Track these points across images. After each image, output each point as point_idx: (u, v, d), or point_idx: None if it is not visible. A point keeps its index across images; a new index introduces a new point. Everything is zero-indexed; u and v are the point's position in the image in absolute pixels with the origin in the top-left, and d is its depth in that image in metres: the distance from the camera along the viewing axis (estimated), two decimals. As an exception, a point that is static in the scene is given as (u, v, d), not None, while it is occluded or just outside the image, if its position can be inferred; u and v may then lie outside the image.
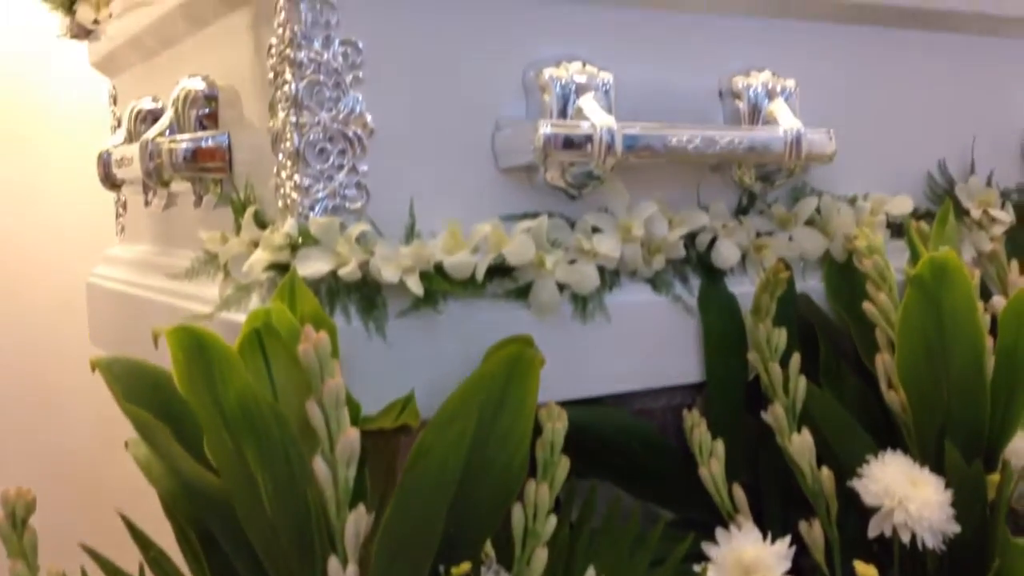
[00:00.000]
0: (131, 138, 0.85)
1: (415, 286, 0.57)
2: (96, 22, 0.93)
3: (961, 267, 0.68)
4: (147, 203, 0.84)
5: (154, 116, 0.84)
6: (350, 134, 0.60)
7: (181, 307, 0.71)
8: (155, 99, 0.86)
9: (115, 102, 1.04)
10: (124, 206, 1.03)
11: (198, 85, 0.72)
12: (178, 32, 0.79)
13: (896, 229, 0.84)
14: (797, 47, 0.79)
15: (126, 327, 0.90)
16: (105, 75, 1.05)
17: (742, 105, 0.75)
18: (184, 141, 0.70)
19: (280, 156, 0.60)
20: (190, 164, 0.70)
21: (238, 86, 0.70)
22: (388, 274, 0.57)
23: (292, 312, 0.54)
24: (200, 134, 0.70)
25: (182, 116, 0.72)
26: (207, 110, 0.72)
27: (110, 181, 0.84)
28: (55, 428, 1.27)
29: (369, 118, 0.60)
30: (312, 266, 0.57)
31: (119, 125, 0.94)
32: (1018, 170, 0.93)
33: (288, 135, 0.59)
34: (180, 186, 0.74)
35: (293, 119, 0.58)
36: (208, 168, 0.70)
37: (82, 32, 0.97)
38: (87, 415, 1.27)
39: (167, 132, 0.72)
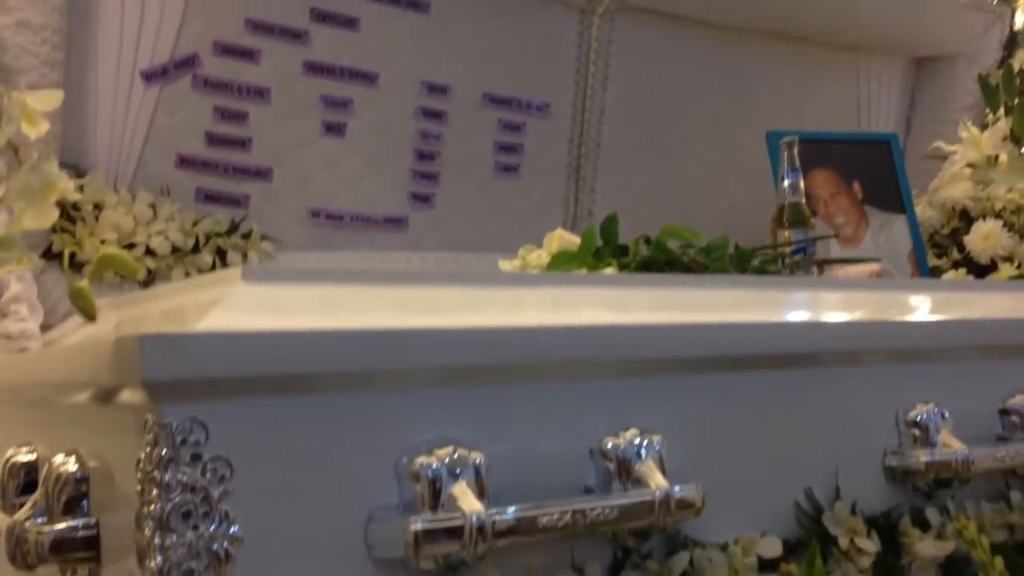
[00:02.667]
0: (3, 492, 0.83)
1: None
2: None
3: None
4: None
5: (27, 471, 0.82)
6: (217, 549, 0.59)
7: None
8: (31, 449, 0.85)
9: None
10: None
11: (70, 467, 0.72)
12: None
13: (771, 564, 0.86)
14: (662, 401, 0.83)
15: None
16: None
17: (612, 465, 0.78)
18: (51, 531, 0.68)
19: (145, 574, 0.59)
20: (57, 554, 0.68)
21: (113, 465, 0.70)
22: None
23: None
24: (68, 523, 0.69)
25: (52, 498, 0.71)
26: (78, 492, 0.71)
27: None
28: None
29: (237, 529, 0.60)
30: None
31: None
32: (882, 490, 0.98)
33: (152, 554, 0.58)
34: (48, 569, 0.72)
35: (158, 540, 0.58)
36: (76, 558, 0.68)
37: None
38: None
39: (35, 515, 0.71)
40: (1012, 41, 2.01)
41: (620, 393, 0.81)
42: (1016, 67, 2.04)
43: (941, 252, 1.59)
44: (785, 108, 1.82)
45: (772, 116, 1.78)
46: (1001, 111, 1.63)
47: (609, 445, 0.79)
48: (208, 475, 0.60)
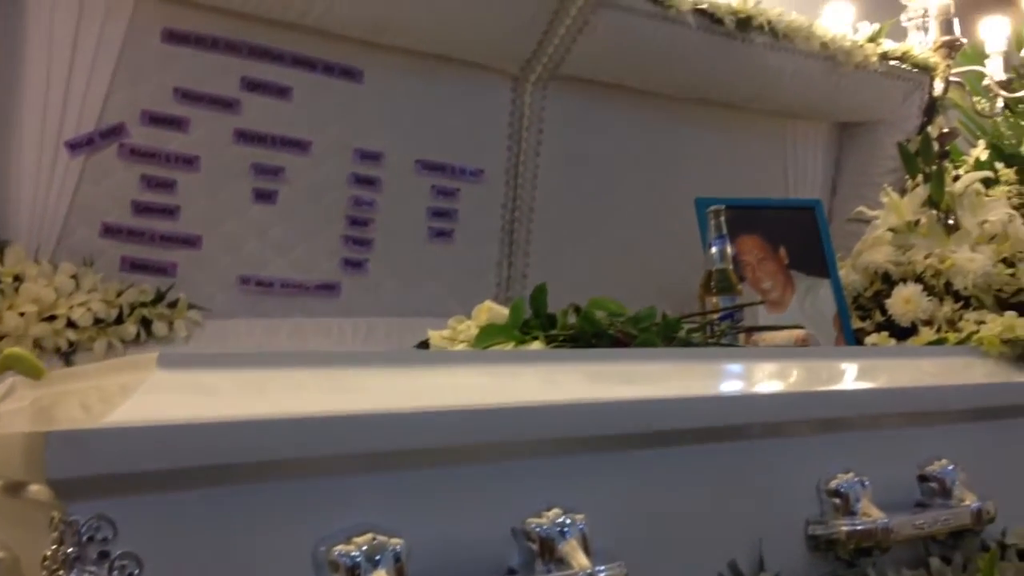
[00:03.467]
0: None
1: None
2: None
3: None
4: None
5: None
6: (124, 653, 0.58)
7: None
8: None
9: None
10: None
11: (-23, 560, 0.70)
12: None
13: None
14: (585, 479, 0.84)
15: None
16: None
17: (534, 546, 0.78)
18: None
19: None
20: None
21: (23, 558, 0.68)
22: None
23: None
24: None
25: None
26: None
27: None
28: None
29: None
30: None
31: None
32: (805, 560, 0.99)
33: (57, 660, 0.57)
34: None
35: (62, 643, 0.57)
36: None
37: None
38: None
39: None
40: (931, 108, 2.09)
41: (543, 472, 0.82)
42: (935, 133, 2.12)
43: (865, 314, 1.63)
44: (715, 172, 1.86)
45: (702, 180, 1.82)
46: (920, 177, 1.68)
47: (532, 525, 0.79)
48: (116, 573, 0.59)
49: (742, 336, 1.34)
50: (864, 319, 1.62)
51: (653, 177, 1.76)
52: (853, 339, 1.55)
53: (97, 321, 1.18)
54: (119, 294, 1.22)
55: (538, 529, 0.78)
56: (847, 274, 1.65)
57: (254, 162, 1.35)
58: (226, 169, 1.33)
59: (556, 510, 0.80)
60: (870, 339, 1.51)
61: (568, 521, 0.79)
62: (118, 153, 1.24)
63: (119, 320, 1.20)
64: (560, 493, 0.81)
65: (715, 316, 1.35)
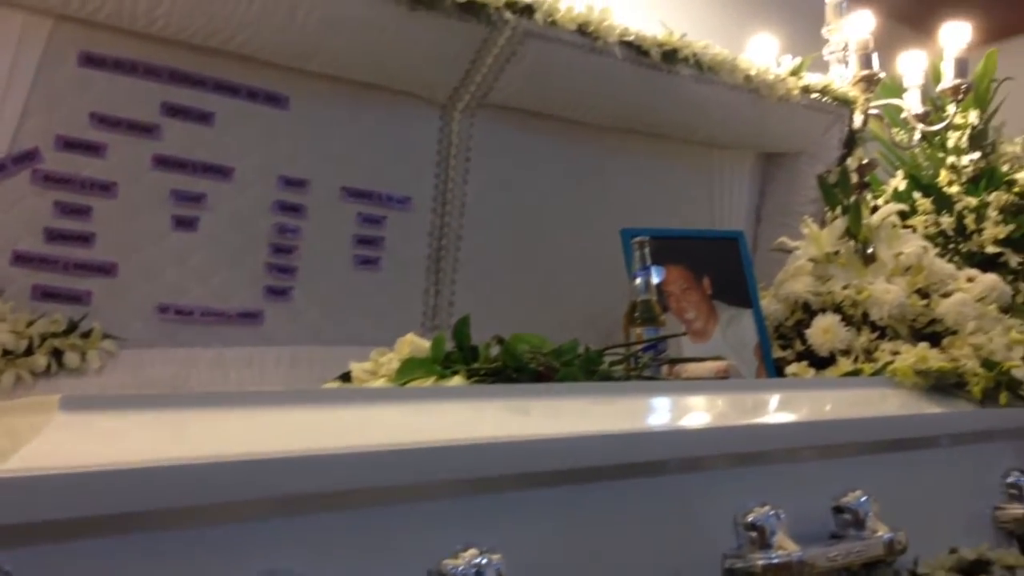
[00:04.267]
0: None
1: None
2: None
3: None
4: None
5: None
6: None
7: None
8: None
9: None
10: None
11: None
12: None
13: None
14: (502, 518, 0.83)
15: None
16: None
17: (450, 589, 0.77)
18: None
19: None
20: None
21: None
22: None
23: None
24: None
25: None
26: None
27: None
28: None
29: None
30: None
31: None
32: (722, 593, 1.00)
33: None
34: None
35: None
36: None
37: None
38: None
39: None
40: (851, 140, 2.14)
41: (460, 511, 0.81)
42: (855, 164, 2.18)
43: (786, 343, 1.66)
44: (642, 201, 1.88)
45: (630, 209, 1.84)
46: (839, 209, 1.72)
47: (448, 567, 0.78)
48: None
49: (665, 367, 1.35)
50: (785, 348, 1.65)
51: (581, 206, 1.77)
52: (774, 368, 1.58)
53: (6, 352, 1.14)
54: (29, 324, 1.18)
55: (454, 570, 0.78)
56: (769, 303, 1.68)
57: (174, 188, 1.33)
58: (144, 195, 1.30)
59: (473, 551, 0.79)
60: (790, 368, 1.54)
61: (484, 561, 0.79)
62: (31, 179, 1.20)
63: (29, 352, 1.17)
64: (478, 533, 0.81)
65: (639, 347, 1.36)
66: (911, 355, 1.42)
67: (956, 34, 2.26)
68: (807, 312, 1.65)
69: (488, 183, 1.65)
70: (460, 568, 0.78)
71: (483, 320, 1.70)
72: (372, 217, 1.53)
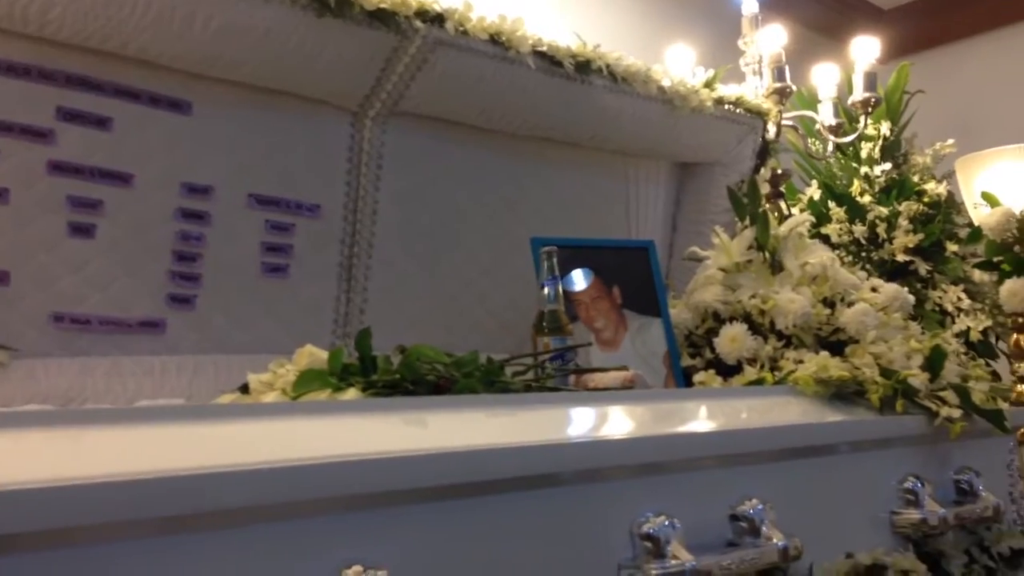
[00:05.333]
0: None
1: None
2: None
3: None
4: None
5: None
6: None
7: None
8: None
9: None
10: None
11: None
12: None
13: None
14: (389, 534, 0.83)
15: None
16: None
17: (332, 606, 0.76)
18: None
19: None
20: None
21: None
22: None
23: None
24: None
25: None
26: None
27: None
28: None
29: None
30: None
31: None
32: (616, 604, 1.00)
33: None
34: None
35: None
36: None
37: None
38: None
39: None
40: (764, 151, 2.18)
41: (347, 527, 0.80)
42: (768, 174, 2.22)
43: (696, 352, 1.68)
44: (558, 209, 1.89)
45: (545, 217, 1.85)
46: (748, 220, 1.75)
47: (331, 585, 0.77)
48: None
49: (572, 378, 1.36)
50: (695, 356, 1.67)
51: (495, 214, 1.77)
52: (682, 377, 1.60)
53: None
54: (-86, 335, 1.14)
55: (336, 588, 0.77)
56: (680, 312, 1.70)
57: (70, 194, 1.29)
58: (39, 202, 1.27)
59: (357, 568, 0.79)
60: (698, 377, 1.55)
61: (369, 578, 0.79)
62: (-85, 184, 1.17)
63: (-88, 363, 1.13)
64: (364, 549, 0.80)
65: (546, 357, 1.37)
66: (812, 364, 1.45)
67: (865, 48, 2.32)
68: (717, 321, 1.67)
69: (400, 191, 1.64)
70: (343, 585, 0.77)
71: (398, 328, 1.69)
72: (281, 224, 1.51)
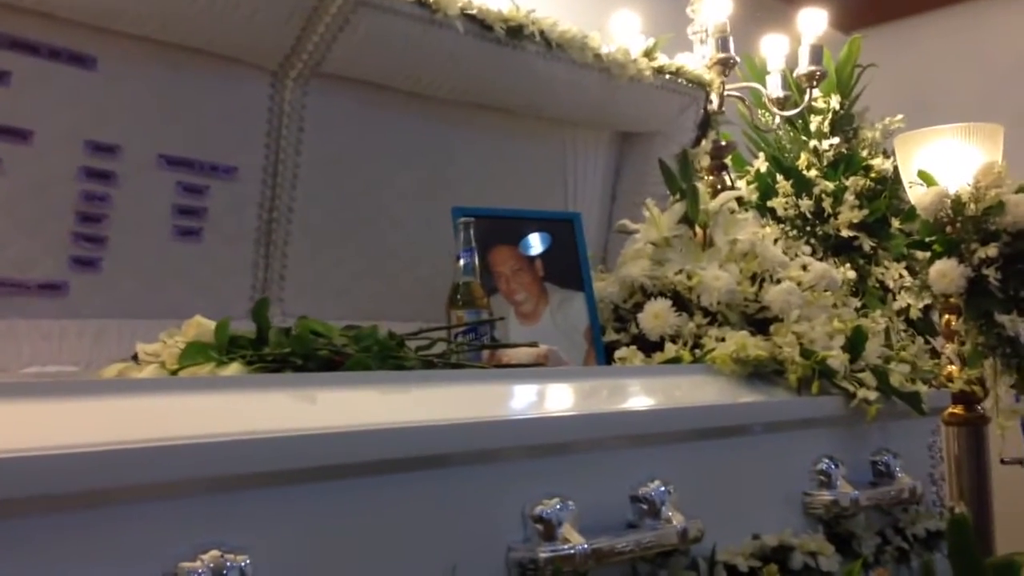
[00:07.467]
0: None
1: None
2: None
3: None
4: None
5: None
6: None
7: None
8: None
9: None
10: None
11: None
12: None
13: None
14: (251, 517, 0.80)
15: None
16: None
17: (187, 594, 0.74)
18: None
19: None
20: None
21: None
22: None
23: None
24: None
25: None
26: None
27: None
28: None
29: None
30: None
31: None
32: (507, 584, 0.99)
33: None
34: None
35: None
36: None
37: None
38: None
39: None
40: (706, 122, 2.15)
41: (205, 509, 0.78)
42: (709, 146, 2.19)
43: (622, 327, 1.65)
44: (491, 178, 1.85)
45: (476, 185, 1.81)
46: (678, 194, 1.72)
47: (184, 570, 0.74)
48: None
49: (485, 353, 1.33)
50: (620, 331, 1.65)
51: (423, 181, 1.73)
52: (603, 353, 1.58)
53: None
54: None
55: (190, 573, 0.74)
56: (607, 286, 1.68)
57: (-37, 152, 1.24)
58: (-71, 159, 1.21)
59: (214, 552, 0.76)
60: (619, 353, 1.53)
61: (228, 563, 0.76)
62: None
63: None
64: (223, 533, 0.78)
65: (459, 331, 1.34)
66: (731, 343, 1.43)
67: (812, 21, 2.29)
68: (645, 296, 1.65)
69: (323, 154, 1.59)
70: (198, 571, 0.75)
71: (321, 297, 1.66)
72: (193, 186, 1.47)
